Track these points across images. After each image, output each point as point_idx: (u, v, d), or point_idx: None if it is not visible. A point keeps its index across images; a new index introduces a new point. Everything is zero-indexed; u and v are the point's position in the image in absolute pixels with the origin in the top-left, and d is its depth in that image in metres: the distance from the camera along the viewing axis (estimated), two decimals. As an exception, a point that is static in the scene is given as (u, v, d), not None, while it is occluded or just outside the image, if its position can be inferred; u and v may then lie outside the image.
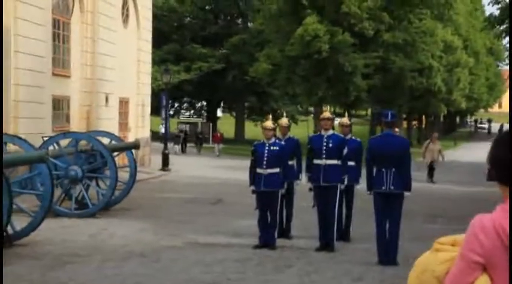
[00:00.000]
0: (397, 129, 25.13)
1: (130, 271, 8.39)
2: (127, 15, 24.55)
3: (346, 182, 10.22)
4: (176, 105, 58.70)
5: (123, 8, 24.08)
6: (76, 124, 20.35)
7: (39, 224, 10.24)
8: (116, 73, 22.65)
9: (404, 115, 60.56)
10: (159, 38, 36.79)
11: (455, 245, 2.38)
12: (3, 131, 13.44)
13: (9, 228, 9.47)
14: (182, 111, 62.73)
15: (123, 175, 15.08)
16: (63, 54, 20.08)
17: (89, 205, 13.34)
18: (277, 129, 11.09)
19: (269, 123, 10.54)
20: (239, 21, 53.70)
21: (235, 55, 47.50)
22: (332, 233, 10.06)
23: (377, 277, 8.50)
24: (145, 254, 9.49)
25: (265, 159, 10.10)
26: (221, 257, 9.41)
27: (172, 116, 53.84)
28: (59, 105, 19.92)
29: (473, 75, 61.70)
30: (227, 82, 48.54)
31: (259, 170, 10.15)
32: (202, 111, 59.96)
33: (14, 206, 9.56)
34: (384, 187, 9.07)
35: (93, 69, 21.34)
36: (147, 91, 26.94)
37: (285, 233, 11.04)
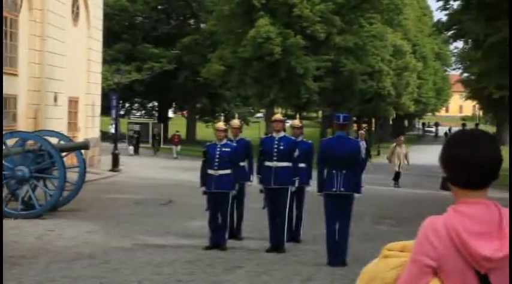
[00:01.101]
0: (362, 132, 25.44)
1: (79, 273, 8.27)
2: (77, 14, 24.18)
3: (297, 184, 10.29)
4: (127, 105, 58.11)
5: (73, 6, 23.70)
6: (23, 124, 19.94)
7: (-16, 226, 9.99)
8: (65, 72, 22.28)
9: (354, 118, 61.31)
10: (110, 37, 36.34)
11: (404, 251, 2.31)
12: None
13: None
14: (133, 111, 62.12)
15: (72, 175, 14.85)
16: (11, 51, 19.64)
17: (36, 206, 13.09)
18: (229, 131, 11.09)
19: (221, 124, 10.61)
20: (191, 21, 53.50)
21: (187, 56, 47.31)
22: (282, 234, 10.12)
23: (327, 278, 8.58)
24: (94, 256, 9.36)
25: (217, 160, 10.07)
26: (171, 258, 9.35)
27: (123, 116, 53.27)
28: (6, 104, 19.46)
29: (422, 80, 62.91)
30: (179, 83, 48.29)
31: (210, 171, 10.11)
32: (154, 112, 59.50)
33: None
34: (334, 189, 9.10)
35: (42, 68, 20.94)
36: (97, 91, 26.59)
37: (236, 234, 11.05)
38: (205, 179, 10.22)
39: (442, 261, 2.10)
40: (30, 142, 14.01)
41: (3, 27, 19.03)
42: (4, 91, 19.09)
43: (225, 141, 10.32)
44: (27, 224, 12.03)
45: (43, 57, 20.91)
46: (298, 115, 12.96)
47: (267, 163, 10.14)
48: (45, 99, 21.10)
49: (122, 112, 50.75)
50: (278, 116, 10.66)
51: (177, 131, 40.16)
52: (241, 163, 10.84)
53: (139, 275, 8.25)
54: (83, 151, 15.66)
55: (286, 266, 9.13)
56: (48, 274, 8.17)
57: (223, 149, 10.15)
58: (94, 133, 25.99)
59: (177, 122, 58.01)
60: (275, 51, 35.86)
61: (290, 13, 36.98)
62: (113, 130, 28.82)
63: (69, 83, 22.85)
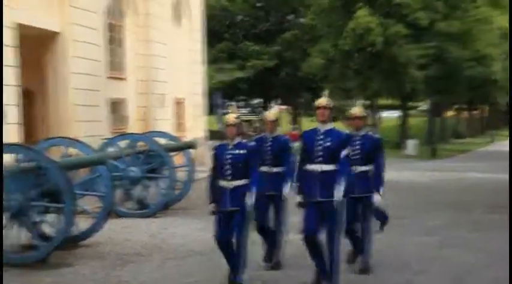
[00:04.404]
0: None
1: (190, 270, 8.48)
2: (179, 16, 24.81)
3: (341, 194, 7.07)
4: (232, 103, 59.05)
5: (175, 9, 24.34)
6: (133, 126, 20.69)
7: (101, 225, 10.45)
8: (170, 74, 22.92)
9: (464, 106, 59.43)
10: (211, 37, 37.02)
11: None
12: (65, 134, 13.79)
13: (73, 229, 9.68)
14: (238, 109, 63.03)
15: (181, 174, 15.23)
16: (118, 57, 20.43)
17: (149, 205, 13.54)
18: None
19: (231, 117, 7.58)
20: (290, 17, 53.59)
21: (288, 51, 47.42)
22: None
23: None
24: (204, 253, 9.55)
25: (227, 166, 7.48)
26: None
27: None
28: (116, 107, 20.28)
29: (534, 62, 59.95)
30: (281, 79, 48.49)
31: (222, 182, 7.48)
32: (260, 108, 60.08)
33: (78, 207, 9.77)
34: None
35: (147, 71, 21.65)
36: (201, 90, 27.18)
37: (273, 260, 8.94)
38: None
39: None
40: (141, 143, 14.49)
41: (110, 34, 19.83)
42: (114, 96, 19.93)
43: (238, 139, 7.43)
44: (142, 223, 12.46)
45: (148, 60, 21.62)
46: (357, 102, 9.06)
47: (308, 167, 7.11)
48: (152, 101, 21.80)
49: (228, 111, 51.61)
50: (322, 101, 7.15)
51: (296, 127, 40.36)
52: (276, 169, 8.52)
53: (249, 272, 8.33)
54: (190, 150, 16.00)
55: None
56: (163, 271, 8.43)
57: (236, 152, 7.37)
58: (200, 132, 26.58)
59: (280, 117, 58.22)
60: (376, 42, 35.27)
61: (390, 2, 36.26)
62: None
63: (174, 84, 23.49)
